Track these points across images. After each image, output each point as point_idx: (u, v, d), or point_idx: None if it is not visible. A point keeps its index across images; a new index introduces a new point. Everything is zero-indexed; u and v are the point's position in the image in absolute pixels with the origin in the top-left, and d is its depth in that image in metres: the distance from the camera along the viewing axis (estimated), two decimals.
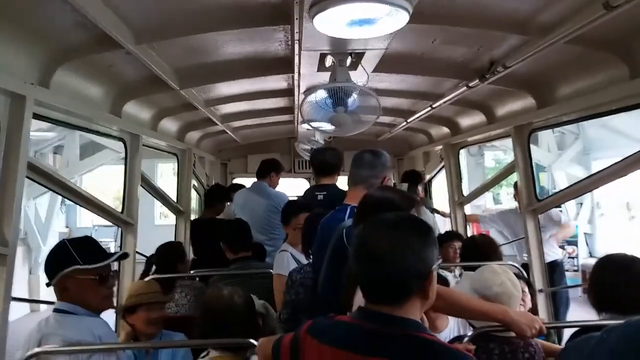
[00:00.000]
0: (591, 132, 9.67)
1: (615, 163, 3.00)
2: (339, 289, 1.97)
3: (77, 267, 2.17)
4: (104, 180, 11.54)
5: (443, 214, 6.05)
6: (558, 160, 9.92)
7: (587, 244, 9.91)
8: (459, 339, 2.38)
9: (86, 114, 2.96)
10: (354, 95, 3.02)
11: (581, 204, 9.89)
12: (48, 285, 2.21)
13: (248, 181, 6.41)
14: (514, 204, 5.96)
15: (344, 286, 1.92)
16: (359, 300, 1.59)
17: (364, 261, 1.42)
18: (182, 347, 2.78)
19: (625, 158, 2.89)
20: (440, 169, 6.15)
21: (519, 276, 2.96)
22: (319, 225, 2.67)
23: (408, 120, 5.19)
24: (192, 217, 5.38)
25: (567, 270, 9.39)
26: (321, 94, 3.07)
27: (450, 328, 2.69)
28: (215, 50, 3.01)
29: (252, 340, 2.15)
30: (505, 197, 11.41)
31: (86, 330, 2.12)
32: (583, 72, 2.91)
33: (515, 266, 3.41)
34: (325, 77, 3.03)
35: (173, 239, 4.79)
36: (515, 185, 5.52)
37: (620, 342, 1.43)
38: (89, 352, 2.09)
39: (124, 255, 2.62)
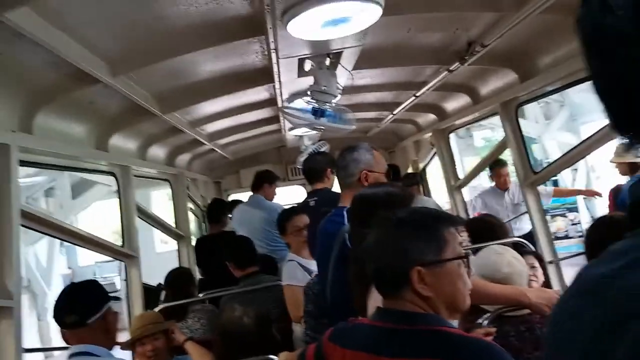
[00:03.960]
0: (575, 97, 9.71)
1: (605, 126, 3.00)
2: (349, 294, 1.94)
3: (113, 301, 2.25)
4: (101, 215, 11.46)
5: None
6: (547, 130, 9.95)
7: (587, 208, 9.93)
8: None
9: (73, 153, 2.94)
10: (333, 102, 3.00)
11: (576, 169, 9.91)
12: (82, 324, 2.14)
13: (243, 196, 6.37)
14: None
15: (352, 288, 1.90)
16: (374, 301, 1.57)
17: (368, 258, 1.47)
18: None
19: None
20: (433, 156, 6.15)
21: (528, 252, 2.96)
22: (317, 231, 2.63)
23: (394, 112, 5.18)
24: (193, 240, 5.34)
25: (571, 237, 9.46)
26: (300, 102, 3.05)
27: None
28: (192, 70, 2.99)
29: (273, 356, 2.13)
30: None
31: None
32: (561, 40, 2.90)
33: (522, 242, 3.40)
34: (306, 81, 3.01)
35: (176, 265, 4.76)
36: (491, 167, 5.57)
37: None
38: None
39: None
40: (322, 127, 3.16)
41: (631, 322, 0.47)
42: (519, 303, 2.12)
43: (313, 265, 3.20)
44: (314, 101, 2.95)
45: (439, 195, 6.69)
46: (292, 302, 3.18)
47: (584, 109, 9.84)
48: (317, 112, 3.02)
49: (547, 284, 2.88)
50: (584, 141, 3.49)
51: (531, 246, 3.46)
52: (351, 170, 2.46)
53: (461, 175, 5.57)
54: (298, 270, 3.27)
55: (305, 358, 1.62)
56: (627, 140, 0.58)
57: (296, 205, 4.22)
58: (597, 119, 8.61)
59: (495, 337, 2.03)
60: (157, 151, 4.57)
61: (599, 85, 0.59)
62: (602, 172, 10.04)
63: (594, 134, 3.22)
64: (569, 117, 10.14)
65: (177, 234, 4.98)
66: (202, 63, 2.91)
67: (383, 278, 1.44)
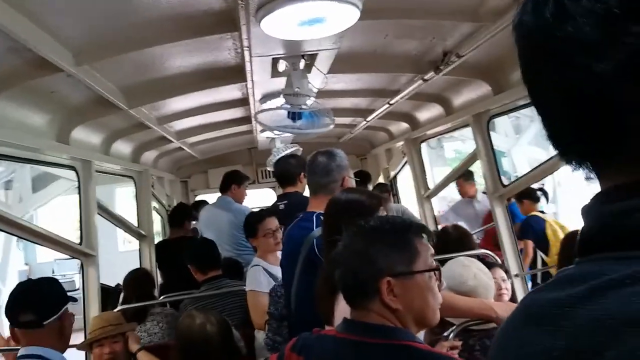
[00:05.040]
0: None
1: None
2: (315, 301, 1.89)
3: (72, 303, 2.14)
4: (63, 211, 11.14)
5: None
6: (517, 145, 10.11)
7: None
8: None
9: (31, 144, 2.79)
10: (308, 102, 2.95)
11: (543, 184, 10.07)
12: (38, 325, 2.01)
13: (210, 197, 6.25)
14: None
15: (317, 297, 1.85)
16: (341, 310, 1.52)
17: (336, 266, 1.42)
18: None
19: None
20: (404, 165, 6.16)
21: (495, 264, 2.96)
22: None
23: (367, 119, 5.15)
24: (156, 240, 5.20)
25: None
26: (275, 102, 2.98)
27: None
28: (162, 64, 2.89)
29: None
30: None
31: None
32: None
33: (490, 254, 3.39)
34: (279, 82, 2.95)
35: (138, 266, 4.63)
36: (458, 179, 5.73)
37: None
38: None
39: None
40: (300, 132, 3.09)
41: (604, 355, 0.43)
42: (485, 317, 2.12)
43: (278, 271, 3.14)
44: (289, 105, 2.89)
45: (408, 204, 6.70)
46: (255, 308, 3.11)
47: None
48: (294, 116, 2.95)
49: (512, 298, 2.88)
50: (553, 157, 3.52)
51: (498, 258, 3.46)
52: (335, 175, 2.45)
53: (431, 186, 5.57)
54: (262, 276, 3.21)
55: None
56: (583, 169, 0.55)
57: (266, 208, 4.15)
58: None
59: (460, 351, 2.00)
60: (122, 147, 4.43)
61: (547, 101, 0.56)
62: (569, 187, 10.25)
63: None
64: (538, 132, 10.32)
65: (139, 233, 4.83)
66: (172, 57, 2.81)
67: (351, 287, 1.39)
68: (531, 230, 5.40)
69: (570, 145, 0.56)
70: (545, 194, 6.13)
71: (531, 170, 4.01)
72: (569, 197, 10.18)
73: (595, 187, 0.56)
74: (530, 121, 10.25)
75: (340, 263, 1.41)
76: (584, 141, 0.54)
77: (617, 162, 0.52)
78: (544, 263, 5.31)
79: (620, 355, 0.42)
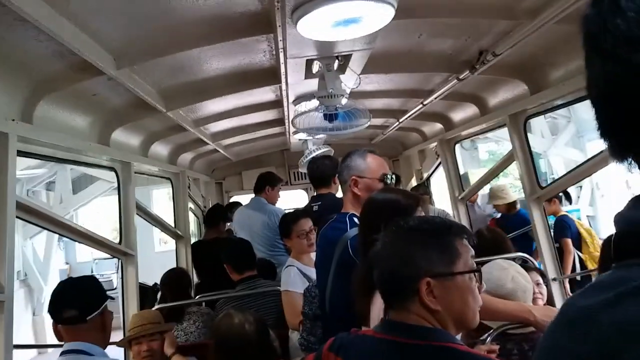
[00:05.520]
0: (583, 113, 9.63)
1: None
2: (350, 303, 1.89)
3: (109, 301, 2.22)
4: (102, 212, 11.42)
5: None
6: (553, 146, 9.88)
7: (590, 226, 9.83)
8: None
9: (74, 146, 2.88)
10: (342, 102, 2.95)
11: (580, 187, 9.82)
12: (81, 320, 2.10)
13: (244, 198, 6.33)
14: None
15: (353, 296, 1.85)
16: (377, 311, 1.52)
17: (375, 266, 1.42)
18: None
19: None
20: (437, 167, 6.10)
21: (531, 268, 2.90)
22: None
23: (400, 120, 5.13)
24: (192, 240, 5.29)
25: None
26: (311, 104, 3.00)
27: None
28: (198, 67, 2.94)
29: None
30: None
31: None
32: (574, 53, 2.84)
33: (526, 257, 3.33)
34: (313, 83, 2.96)
35: (175, 265, 4.71)
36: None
37: None
38: None
39: None
40: (337, 133, 3.10)
41: None
42: (524, 320, 2.07)
43: (313, 271, 3.15)
44: (323, 107, 2.90)
45: (441, 206, 6.62)
46: (290, 308, 3.13)
47: (590, 126, 9.73)
48: (330, 117, 2.97)
49: (550, 301, 2.82)
50: (591, 158, 3.44)
51: (534, 261, 3.40)
52: (344, 176, 2.45)
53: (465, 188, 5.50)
54: (297, 276, 3.23)
55: None
56: (627, 163, 0.56)
57: (300, 209, 4.18)
58: None
59: (497, 355, 1.97)
60: (160, 148, 4.53)
61: (595, 90, 0.58)
62: (607, 190, 9.97)
63: (601, 152, 3.16)
64: (575, 133, 10.06)
65: (176, 233, 4.93)
66: (208, 60, 2.86)
67: (390, 287, 1.38)
68: (567, 228, 5.32)
69: (613, 141, 0.56)
70: (566, 194, 6.02)
71: (569, 172, 3.92)
72: (608, 201, 9.91)
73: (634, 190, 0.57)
74: (567, 122, 10.01)
75: (378, 263, 1.40)
76: (623, 139, 0.55)
77: None
78: (581, 260, 5.23)
79: (634, 358, 0.44)
